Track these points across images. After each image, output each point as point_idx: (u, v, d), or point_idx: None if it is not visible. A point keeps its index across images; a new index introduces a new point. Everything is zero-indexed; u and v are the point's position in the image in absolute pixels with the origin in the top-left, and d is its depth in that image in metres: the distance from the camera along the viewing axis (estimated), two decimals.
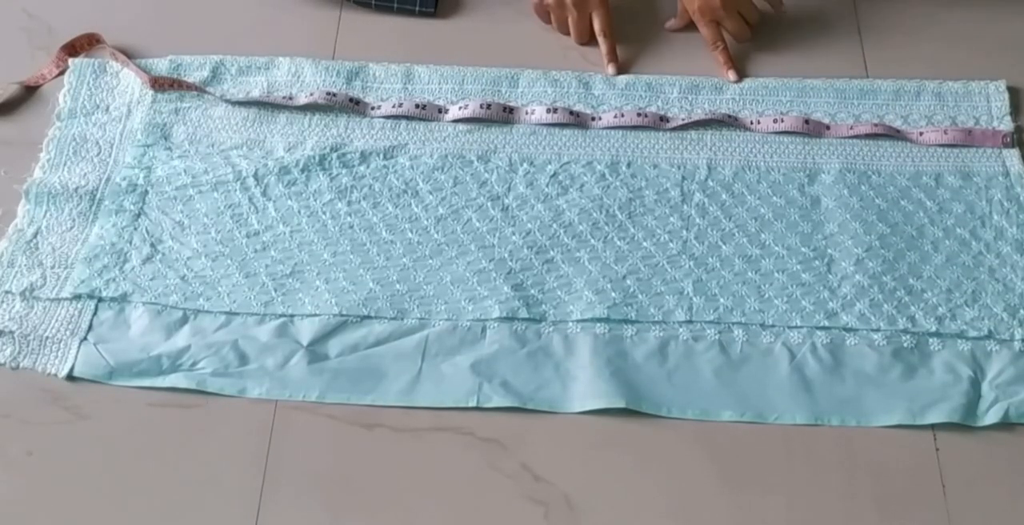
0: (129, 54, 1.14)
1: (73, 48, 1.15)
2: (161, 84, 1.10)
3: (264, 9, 1.21)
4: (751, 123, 1.08)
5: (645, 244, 1.00)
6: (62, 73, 1.13)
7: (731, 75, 1.13)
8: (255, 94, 1.11)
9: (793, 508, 0.86)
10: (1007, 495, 0.86)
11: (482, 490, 0.87)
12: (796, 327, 0.94)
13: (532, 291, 0.97)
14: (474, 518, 0.85)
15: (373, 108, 1.09)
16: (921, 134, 1.07)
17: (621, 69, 1.14)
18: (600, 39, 1.15)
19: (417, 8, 1.20)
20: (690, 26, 1.17)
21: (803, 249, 1.00)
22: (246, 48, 1.15)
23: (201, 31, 1.19)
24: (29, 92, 1.12)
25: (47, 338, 0.93)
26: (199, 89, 1.10)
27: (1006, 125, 1.09)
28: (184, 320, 0.95)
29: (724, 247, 1.00)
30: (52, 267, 0.98)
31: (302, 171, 1.05)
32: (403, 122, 1.09)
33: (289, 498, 0.86)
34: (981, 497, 0.86)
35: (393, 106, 1.09)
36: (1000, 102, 1.10)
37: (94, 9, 1.21)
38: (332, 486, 0.87)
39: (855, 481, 0.87)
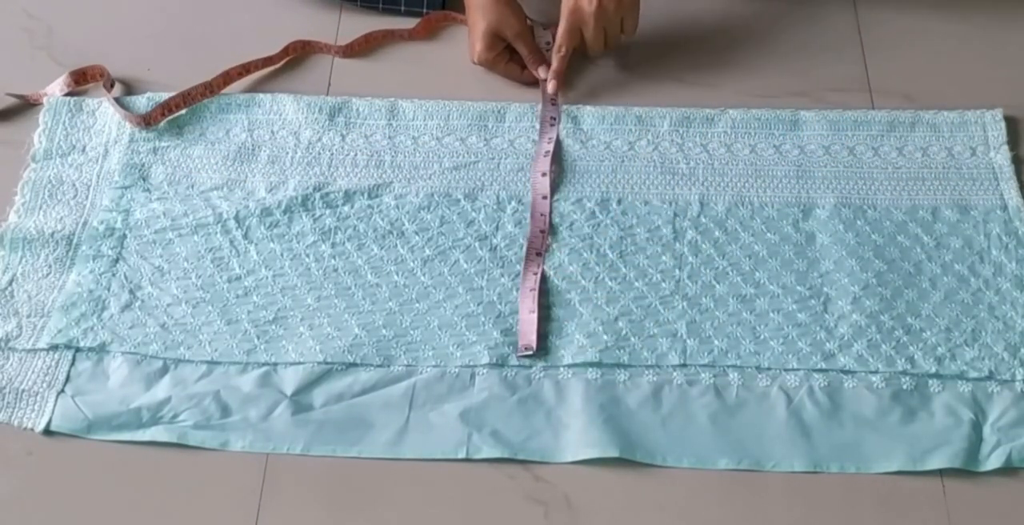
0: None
1: (84, 76, 1.12)
2: (154, 118, 1.07)
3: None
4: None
5: (637, 284, 0.98)
6: (67, 96, 1.11)
7: (551, 86, 1.10)
8: (236, 131, 1.08)
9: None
10: None
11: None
12: (793, 370, 0.92)
13: None
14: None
15: None
16: None
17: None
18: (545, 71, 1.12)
19: (424, 10, 1.19)
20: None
21: (799, 288, 0.97)
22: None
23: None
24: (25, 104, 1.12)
25: (23, 391, 0.91)
26: (194, 99, 1.08)
27: (1003, 155, 1.06)
28: (164, 370, 0.92)
29: (718, 286, 0.98)
30: (28, 316, 0.95)
31: (284, 212, 1.02)
32: (387, 159, 1.07)
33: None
34: None
35: None
36: (997, 131, 1.08)
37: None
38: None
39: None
